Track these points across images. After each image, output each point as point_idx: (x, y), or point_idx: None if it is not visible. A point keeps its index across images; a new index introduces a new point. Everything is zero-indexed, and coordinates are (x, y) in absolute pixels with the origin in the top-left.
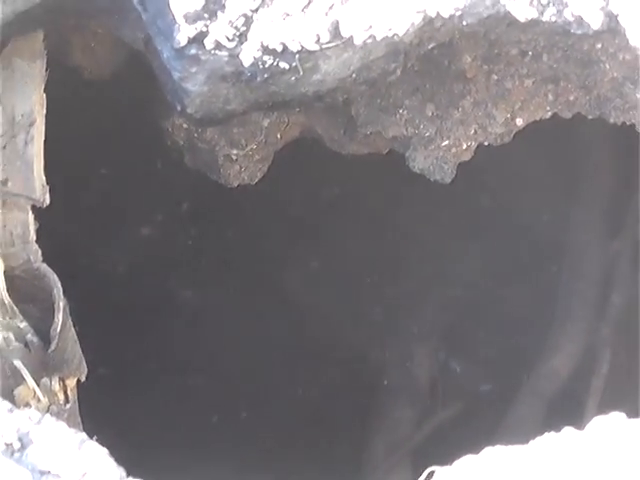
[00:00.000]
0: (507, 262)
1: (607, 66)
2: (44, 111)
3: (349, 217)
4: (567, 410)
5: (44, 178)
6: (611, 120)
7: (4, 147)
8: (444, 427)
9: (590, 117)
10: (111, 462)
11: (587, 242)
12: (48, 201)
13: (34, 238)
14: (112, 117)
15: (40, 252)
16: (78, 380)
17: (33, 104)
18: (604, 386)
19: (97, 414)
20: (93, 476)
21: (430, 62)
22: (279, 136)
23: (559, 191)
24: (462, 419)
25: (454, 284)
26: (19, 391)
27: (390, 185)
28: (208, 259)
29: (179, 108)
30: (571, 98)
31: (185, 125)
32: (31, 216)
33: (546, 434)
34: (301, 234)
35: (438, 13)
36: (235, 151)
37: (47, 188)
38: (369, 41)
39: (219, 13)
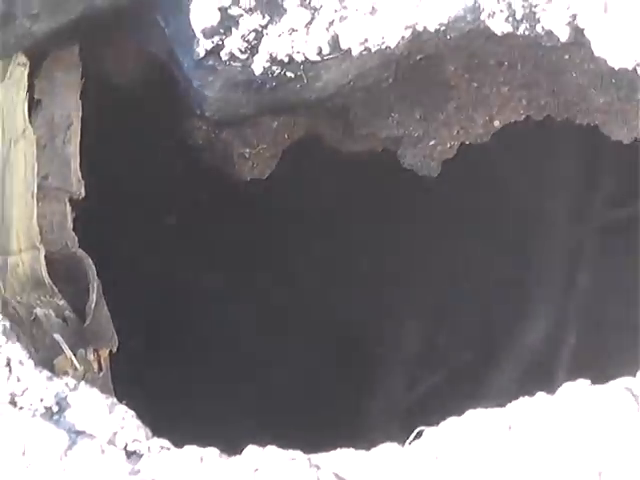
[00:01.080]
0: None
1: (574, 74)
2: (80, 115)
3: (347, 206)
4: (540, 377)
5: (80, 173)
6: (577, 121)
7: (44, 146)
8: (431, 392)
9: (559, 119)
10: (138, 423)
11: (555, 226)
12: (83, 193)
13: (71, 226)
14: (139, 120)
15: (76, 239)
16: (110, 351)
17: (70, 109)
18: (572, 356)
19: (126, 381)
20: (122, 435)
21: (418, 71)
22: (286, 136)
23: (529, 182)
24: (447, 385)
25: (441, 270)
26: (58, 361)
27: (384, 178)
28: (225, 244)
29: (198, 112)
30: (542, 102)
31: (204, 127)
32: (68, 207)
33: (521, 398)
34: (306, 221)
35: (425, 28)
36: (248, 149)
37: (82, 182)
38: (364, 53)
39: (233, 29)
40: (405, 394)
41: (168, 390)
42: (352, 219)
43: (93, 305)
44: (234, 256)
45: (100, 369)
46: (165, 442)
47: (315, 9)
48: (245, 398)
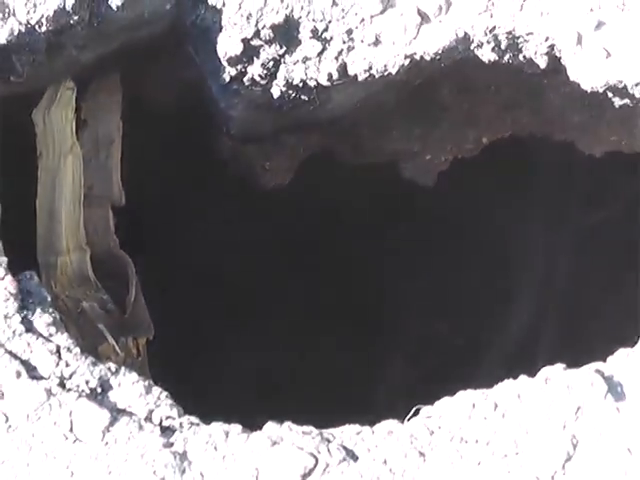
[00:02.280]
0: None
1: (552, 96)
2: (120, 133)
3: (354, 209)
4: (523, 362)
5: (120, 184)
6: (555, 138)
7: (90, 160)
8: (429, 375)
9: (539, 135)
10: (171, 402)
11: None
12: (124, 201)
13: (113, 230)
14: (174, 137)
15: (117, 241)
16: (147, 339)
17: (112, 128)
18: (552, 343)
19: (162, 366)
20: (157, 413)
21: (416, 94)
22: (302, 151)
23: (514, 192)
24: (442, 369)
25: (440, 266)
26: (102, 348)
27: (387, 188)
28: (249, 241)
29: (225, 130)
30: (524, 121)
31: (230, 143)
32: (110, 213)
33: (506, 380)
34: (321, 222)
35: (422, 57)
36: (268, 163)
37: (123, 192)
38: (369, 79)
39: (254, 58)
40: (407, 376)
41: (198, 374)
42: (358, 219)
43: (132, 299)
44: (259, 253)
45: (138, 355)
46: (195, 419)
47: (326, 40)
48: (267, 382)
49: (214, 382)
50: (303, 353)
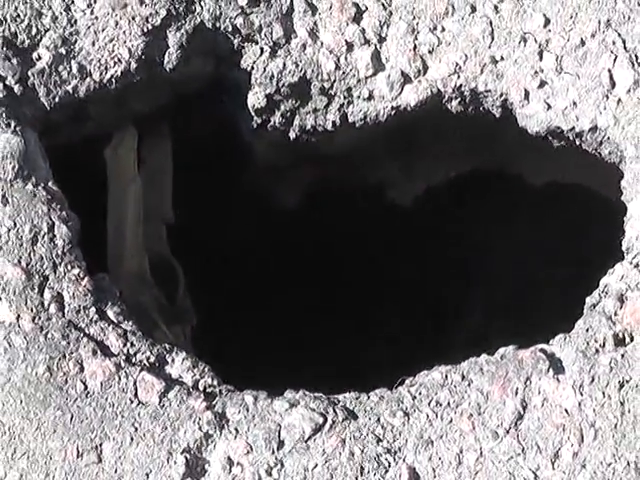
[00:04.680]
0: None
1: (504, 139)
2: (171, 167)
3: (350, 223)
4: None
5: (171, 206)
6: (506, 171)
7: (148, 188)
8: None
9: (494, 169)
10: (212, 374)
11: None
12: (173, 220)
13: (166, 241)
14: (210, 165)
15: (169, 248)
16: (191, 326)
17: (164, 163)
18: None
19: (204, 346)
20: (202, 382)
21: (399, 136)
22: (312, 177)
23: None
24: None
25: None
26: (156, 334)
27: (372, 206)
28: (277, 248)
29: (250, 160)
30: (483, 158)
31: (253, 170)
32: (164, 229)
33: (471, 358)
34: (328, 238)
35: (405, 108)
36: (285, 187)
37: (172, 212)
38: (364, 125)
39: (275, 109)
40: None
41: (229, 354)
42: (351, 231)
43: (180, 295)
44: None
45: (185, 338)
46: (231, 387)
47: (331, 96)
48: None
49: (243, 359)
50: (313, 341)
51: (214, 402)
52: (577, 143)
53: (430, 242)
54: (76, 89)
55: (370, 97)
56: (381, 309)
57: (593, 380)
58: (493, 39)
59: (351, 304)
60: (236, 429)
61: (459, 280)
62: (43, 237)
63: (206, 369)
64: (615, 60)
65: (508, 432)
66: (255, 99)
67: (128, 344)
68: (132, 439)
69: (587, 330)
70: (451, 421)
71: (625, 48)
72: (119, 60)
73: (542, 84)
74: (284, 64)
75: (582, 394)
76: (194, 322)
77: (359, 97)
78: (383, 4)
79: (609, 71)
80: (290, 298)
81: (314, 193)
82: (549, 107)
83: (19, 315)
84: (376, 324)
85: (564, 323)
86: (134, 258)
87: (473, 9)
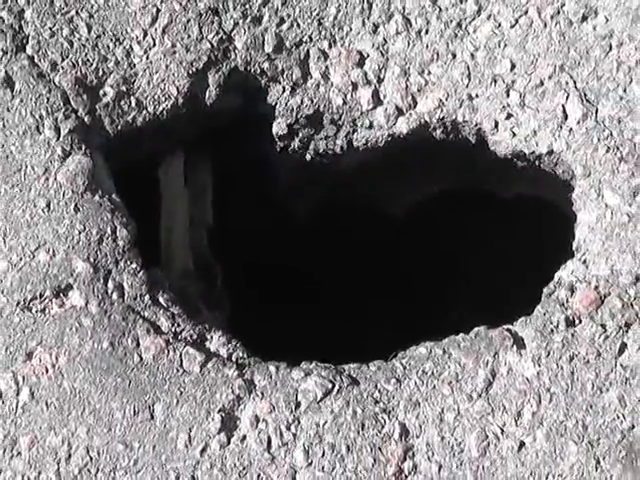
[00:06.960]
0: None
1: (479, 161)
2: (211, 184)
3: (351, 229)
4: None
5: (211, 214)
6: (481, 187)
7: (193, 200)
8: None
9: (471, 186)
10: (244, 349)
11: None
12: (212, 224)
13: (207, 244)
14: (242, 183)
15: (209, 249)
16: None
17: (205, 180)
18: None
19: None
20: (235, 355)
21: (393, 158)
22: (323, 192)
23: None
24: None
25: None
26: (198, 317)
27: (370, 217)
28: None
29: (274, 183)
30: (462, 177)
31: (277, 188)
32: (205, 233)
33: (452, 336)
34: (339, 241)
35: (398, 136)
36: (302, 201)
37: (212, 220)
38: (366, 150)
39: (295, 136)
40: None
41: (257, 335)
42: (355, 238)
43: (218, 287)
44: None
45: (221, 321)
46: (258, 359)
47: (339, 126)
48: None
49: (268, 340)
50: (324, 327)
51: (244, 371)
52: (537, 164)
53: (421, 246)
54: (134, 120)
55: (371, 126)
56: (382, 301)
57: (549, 354)
58: (470, 80)
59: (354, 299)
60: (262, 393)
61: (447, 279)
62: (107, 238)
63: (238, 344)
64: (568, 97)
65: (480, 396)
66: (278, 128)
67: (175, 324)
68: (178, 401)
69: (544, 314)
70: (434, 387)
71: (576, 87)
72: (169, 96)
73: (509, 116)
74: (302, 100)
75: (540, 365)
76: (228, 309)
77: (362, 126)
78: (381, 52)
79: (563, 106)
80: (303, 294)
81: (324, 206)
82: (514, 135)
83: (88, 301)
84: (378, 315)
85: (527, 309)
86: (181, 257)
87: (454, 56)
